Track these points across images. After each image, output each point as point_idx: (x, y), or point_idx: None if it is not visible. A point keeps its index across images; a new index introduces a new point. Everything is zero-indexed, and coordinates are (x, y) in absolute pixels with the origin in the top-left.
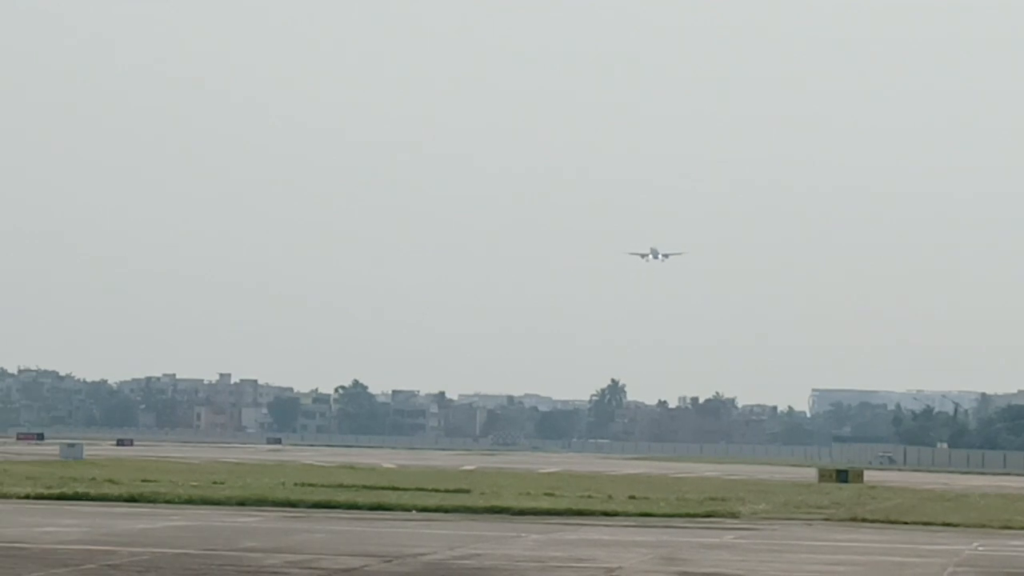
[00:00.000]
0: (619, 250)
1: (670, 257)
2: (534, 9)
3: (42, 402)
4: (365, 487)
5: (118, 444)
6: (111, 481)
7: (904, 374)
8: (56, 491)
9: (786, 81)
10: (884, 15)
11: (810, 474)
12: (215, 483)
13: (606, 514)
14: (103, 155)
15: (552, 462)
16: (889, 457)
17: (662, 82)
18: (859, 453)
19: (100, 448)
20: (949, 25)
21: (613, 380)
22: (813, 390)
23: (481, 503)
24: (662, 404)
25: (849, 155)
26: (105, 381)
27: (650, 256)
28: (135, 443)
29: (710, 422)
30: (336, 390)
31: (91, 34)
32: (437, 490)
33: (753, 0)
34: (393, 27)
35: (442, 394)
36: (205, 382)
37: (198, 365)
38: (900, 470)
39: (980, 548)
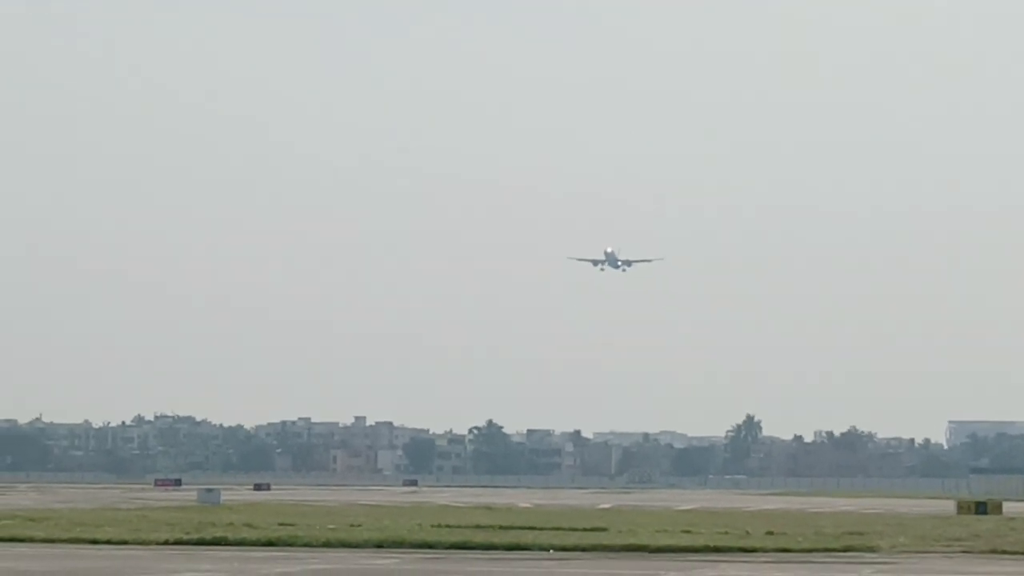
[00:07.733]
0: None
1: (632, 265)
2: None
3: (179, 448)
4: (502, 527)
5: (255, 488)
6: (249, 525)
7: None
8: (195, 536)
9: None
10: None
11: (948, 506)
12: (352, 526)
13: (744, 550)
14: (227, 212)
15: (688, 499)
16: None
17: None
18: (998, 485)
19: (237, 493)
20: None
21: (748, 415)
22: (950, 422)
23: (618, 541)
24: (798, 439)
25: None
26: (241, 426)
27: (605, 264)
28: (272, 487)
29: (846, 456)
30: (471, 431)
31: None
32: (574, 529)
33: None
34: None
35: (577, 433)
36: (340, 425)
37: (333, 408)
38: None
39: None
